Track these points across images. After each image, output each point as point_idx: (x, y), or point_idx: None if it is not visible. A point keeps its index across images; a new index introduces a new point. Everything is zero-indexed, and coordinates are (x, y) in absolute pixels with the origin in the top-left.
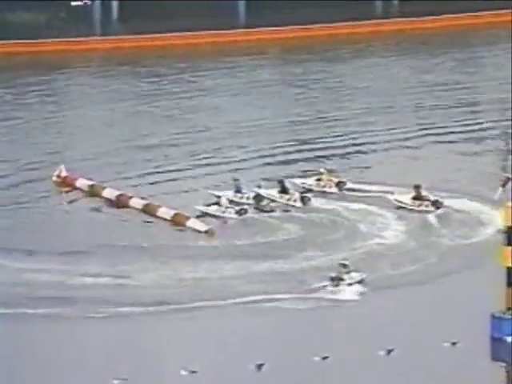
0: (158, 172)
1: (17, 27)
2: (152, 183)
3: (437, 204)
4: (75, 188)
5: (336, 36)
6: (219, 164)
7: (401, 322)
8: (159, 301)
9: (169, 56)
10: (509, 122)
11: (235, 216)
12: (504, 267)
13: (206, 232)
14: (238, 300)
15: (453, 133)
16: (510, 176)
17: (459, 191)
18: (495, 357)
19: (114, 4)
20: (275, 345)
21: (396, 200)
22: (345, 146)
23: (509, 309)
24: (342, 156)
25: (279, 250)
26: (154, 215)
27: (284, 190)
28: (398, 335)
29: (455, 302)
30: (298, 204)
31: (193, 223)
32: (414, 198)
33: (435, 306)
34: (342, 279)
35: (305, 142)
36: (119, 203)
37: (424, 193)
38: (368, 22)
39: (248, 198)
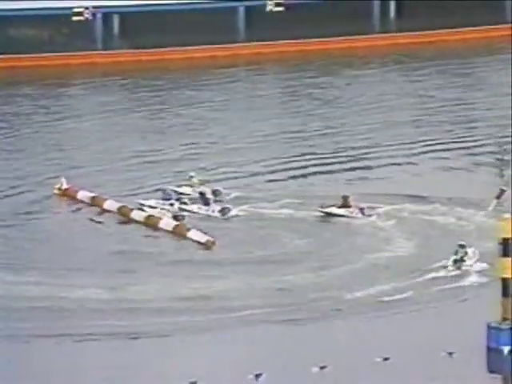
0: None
1: (21, 43)
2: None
3: (363, 211)
4: (76, 200)
5: (333, 50)
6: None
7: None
8: (158, 313)
9: (169, 70)
10: (506, 138)
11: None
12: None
13: (205, 242)
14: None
15: (449, 149)
16: (504, 188)
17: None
18: (491, 367)
19: (115, 20)
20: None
21: (322, 211)
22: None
23: (505, 319)
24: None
25: None
26: (155, 226)
27: (206, 203)
28: (395, 344)
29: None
30: (217, 214)
31: (193, 234)
32: (341, 207)
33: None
34: (463, 260)
35: (302, 156)
36: (120, 215)
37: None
38: (365, 36)
39: (172, 205)
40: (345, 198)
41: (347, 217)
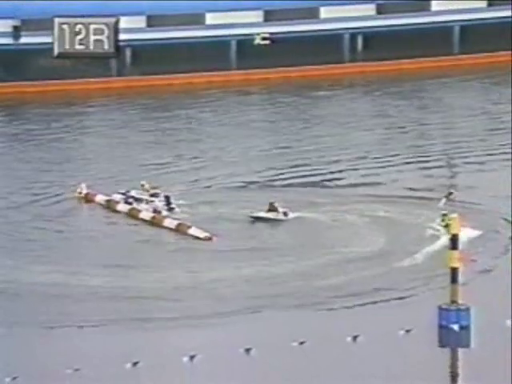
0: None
1: (49, 70)
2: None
3: (285, 214)
4: (94, 203)
5: (311, 77)
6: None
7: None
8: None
9: (173, 93)
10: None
11: None
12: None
13: (205, 238)
14: None
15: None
16: (452, 191)
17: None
18: (442, 341)
19: (128, 51)
20: None
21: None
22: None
23: (453, 301)
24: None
25: None
26: (160, 225)
27: (169, 203)
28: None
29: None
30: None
31: (194, 231)
32: (268, 212)
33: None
34: (447, 225)
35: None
36: (130, 215)
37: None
38: (337, 65)
39: (129, 204)
40: (271, 203)
41: (272, 219)
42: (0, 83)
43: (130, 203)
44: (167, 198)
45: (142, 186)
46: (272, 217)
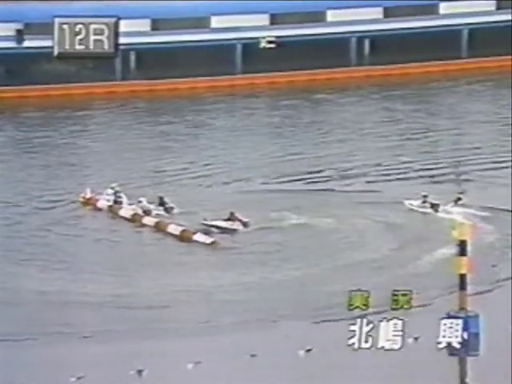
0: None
1: (53, 75)
2: None
3: (245, 224)
4: (97, 207)
5: (317, 80)
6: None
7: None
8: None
9: (177, 97)
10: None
11: None
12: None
13: (210, 244)
14: None
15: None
16: (460, 196)
17: None
18: (450, 349)
19: (132, 55)
20: None
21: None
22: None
23: (461, 309)
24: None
25: None
26: (164, 231)
27: (162, 203)
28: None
29: None
30: (162, 212)
31: (198, 237)
32: (227, 220)
33: None
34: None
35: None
36: (134, 221)
37: None
38: (344, 69)
39: (119, 204)
40: (232, 213)
41: (228, 228)
42: (3, 87)
43: (120, 202)
44: (161, 198)
45: (113, 188)
46: (228, 226)
